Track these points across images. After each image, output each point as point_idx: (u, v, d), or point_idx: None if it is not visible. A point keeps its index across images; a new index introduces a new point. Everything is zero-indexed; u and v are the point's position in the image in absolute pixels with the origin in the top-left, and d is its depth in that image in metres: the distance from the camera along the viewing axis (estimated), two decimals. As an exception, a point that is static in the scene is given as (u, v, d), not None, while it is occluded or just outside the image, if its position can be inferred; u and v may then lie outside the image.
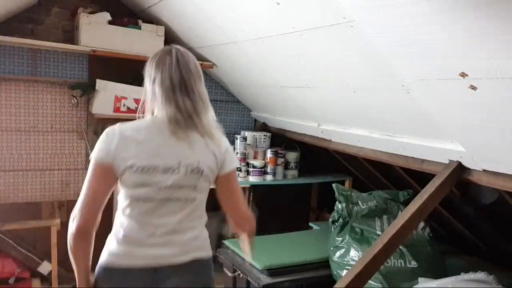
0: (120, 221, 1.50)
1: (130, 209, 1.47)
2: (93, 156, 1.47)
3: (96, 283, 1.50)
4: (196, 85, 1.49)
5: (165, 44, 3.24)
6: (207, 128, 1.50)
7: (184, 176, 1.47)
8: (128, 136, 1.44)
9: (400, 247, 2.39)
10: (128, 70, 3.23)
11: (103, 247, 1.55)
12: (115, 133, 1.45)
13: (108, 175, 1.45)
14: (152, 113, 1.53)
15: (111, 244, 1.49)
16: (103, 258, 1.49)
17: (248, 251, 1.73)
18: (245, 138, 3.51)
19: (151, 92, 1.50)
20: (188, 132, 1.47)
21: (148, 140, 1.45)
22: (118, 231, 1.49)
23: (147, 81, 1.53)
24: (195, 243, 1.54)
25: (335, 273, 2.54)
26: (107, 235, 1.55)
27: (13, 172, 3.21)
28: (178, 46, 1.55)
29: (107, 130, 1.48)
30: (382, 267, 2.19)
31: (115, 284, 1.45)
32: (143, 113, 1.56)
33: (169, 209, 1.48)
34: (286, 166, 3.65)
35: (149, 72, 1.52)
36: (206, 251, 1.58)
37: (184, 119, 1.46)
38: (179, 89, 1.45)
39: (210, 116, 1.54)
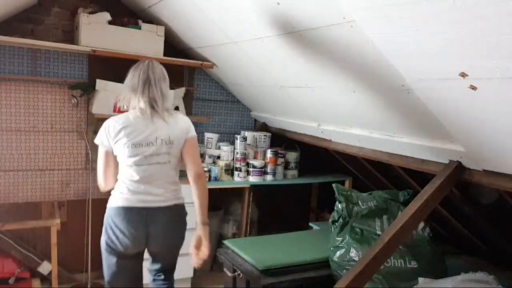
0: (122, 179, 2.17)
1: (127, 172, 2.15)
2: (97, 141, 2.19)
3: (107, 219, 2.16)
4: (160, 83, 2.15)
5: (165, 44, 3.25)
6: (167, 114, 2.16)
7: (160, 146, 2.14)
8: (119, 125, 2.12)
9: (400, 247, 2.39)
10: (128, 70, 3.24)
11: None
12: (110, 125, 2.14)
13: (108, 153, 2.18)
14: (129, 103, 2.18)
15: (116, 194, 2.16)
16: (111, 202, 2.16)
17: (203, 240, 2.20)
18: (245, 138, 3.51)
19: (128, 88, 2.16)
20: (157, 116, 2.13)
21: (133, 125, 2.13)
22: (120, 185, 2.16)
23: (129, 83, 2.16)
24: (174, 193, 2.22)
25: (335, 273, 2.54)
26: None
27: (13, 172, 3.21)
28: (153, 60, 2.22)
29: (104, 123, 2.16)
30: (382, 267, 2.20)
31: (121, 218, 2.10)
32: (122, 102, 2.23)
33: (153, 170, 2.15)
34: (286, 166, 3.65)
35: (128, 76, 2.18)
36: (181, 200, 2.27)
37: (149, 107, 2.12)
38: (147, 84, 2.11)
39: (167, 105, 2.19)
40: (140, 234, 2.12)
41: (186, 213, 2.30)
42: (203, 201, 2.22)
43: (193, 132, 2.25)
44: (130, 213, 2.11)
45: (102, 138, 2.15)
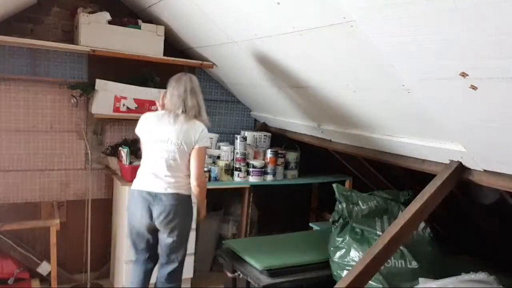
0: (141, 166, 2.64)
1: (145, 162, 2.62)
2: (136, 130, 2.67)
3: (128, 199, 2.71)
4: (198, 93, 2.60)
5: (165, 44, 3.26)
6: (192, 120, 2.55)
7: (170, 145, 2.53)
8: (149, 121, 2.62)
9: (401, 247, 2.39)
10: (128, 70, 3.24)
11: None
12: (142, 119, 2.65)
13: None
14: (165, 106, 2.63)
15: (136, 179, 2.63)
16: (132, 185, 2.63)
17: (200, 211, 2.78)
18: (245, 138, 3.51)
19: (170, 94, 2.58)
20: (181, 120, 2.53)
21: (156, 124, 2.58)
22: (139, 172, 2.64)
23: (169, 88, 2.59)
24: (177, 184, 2.56)
25: (335, 273, 2.54)
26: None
27: (13, 172, 3.21)
28: (188, 73, 2.68)
29: (142, 116, 2.67)
30: (382, 267, 2.19)
31: (134, 198, 2.59)
32: (162, 105, 2.68)
33: (164, 164, 2.54)
34: (286, 166, 3.64)
35: (171, 84, 2.60)
36: (185, 191, 2.59)
37: (182, 112, 2.55)
38: (188, 93, 2.55)
39: (203, 111, 2.62)
40: (145, 212, 2.54)
41: (189, 203, 2.63)
42: (199, 201, 2.70)
43: (201, 143, 2.56)
44: (140, 194, 2.56)
45: (137, 129, 2.66)
